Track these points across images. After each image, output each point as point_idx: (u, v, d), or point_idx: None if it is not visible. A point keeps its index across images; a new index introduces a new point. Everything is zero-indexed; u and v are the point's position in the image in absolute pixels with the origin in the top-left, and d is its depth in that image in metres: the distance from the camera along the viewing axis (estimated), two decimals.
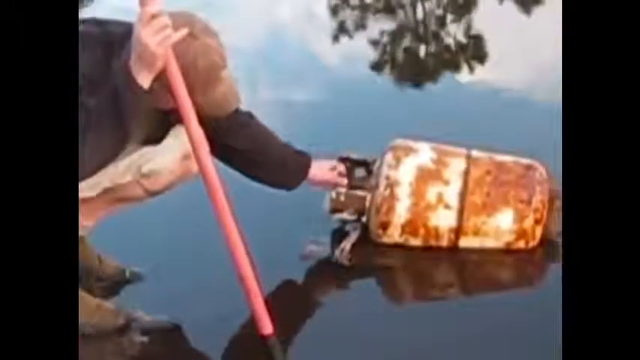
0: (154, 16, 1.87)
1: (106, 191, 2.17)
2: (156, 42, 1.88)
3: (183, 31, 1.96)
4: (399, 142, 2.69)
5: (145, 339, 2.26)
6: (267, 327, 2.07)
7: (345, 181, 2.67)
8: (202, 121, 2.03)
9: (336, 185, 2.65)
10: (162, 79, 1.96)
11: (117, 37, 2.03)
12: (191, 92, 1.98)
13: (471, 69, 4.76)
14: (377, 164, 2.67)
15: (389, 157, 2.63)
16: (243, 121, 2.42)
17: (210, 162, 2.03)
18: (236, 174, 2.45)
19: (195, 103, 1.99)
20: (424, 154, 2.64)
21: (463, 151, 2.68)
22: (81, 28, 2.02)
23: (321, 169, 2.63)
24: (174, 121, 2.12)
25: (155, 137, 2.21)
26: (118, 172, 2.16)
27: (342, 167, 2.69)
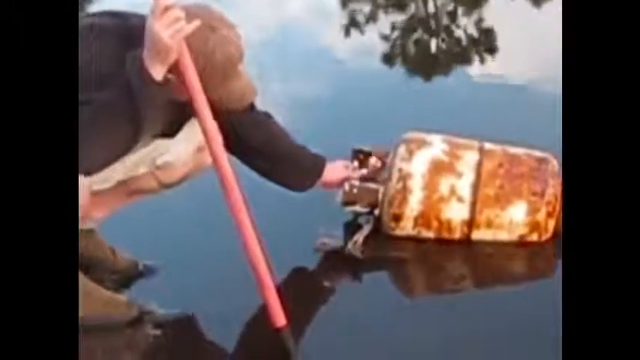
0: (167, 9, 1.87)
1: (120, 184, 2.17)
2: (169, 34, 1.88)
3: (196, 22, 1.94)
4: (412, 134, 2.69)
5: (157, 332, 2.26)
6: (280, 319, 2.07)
7: (357, 174, 2.67)
8: (217, 115, 2.02)
9: (349, 179, 2.65)
10: (177, 70, 1.95)
11: (134, 29, 2.02)
12: (208, 84, 1.98)
13: (482, 62, 4.74)
14: (389, 157, 2.67)
15: (402, 150, 2.63)
16: (259, 119, 2.42)
17: (224, 155, 2.03)
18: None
19: (212, 96, 1.99)
20: (437, 146, 2.64)
21: (476, 143, 2.67)
22: (97, 20, 2.02)
23: (335, 171, 2.62)
24: (190, 113, 2.10)
25: (170, 130, 2.20)
26: (132, 165, 2.16)
27: (355, 164, 2.69)
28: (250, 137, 2.37)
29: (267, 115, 2.45)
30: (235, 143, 2.24)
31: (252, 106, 2.34)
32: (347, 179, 2.63)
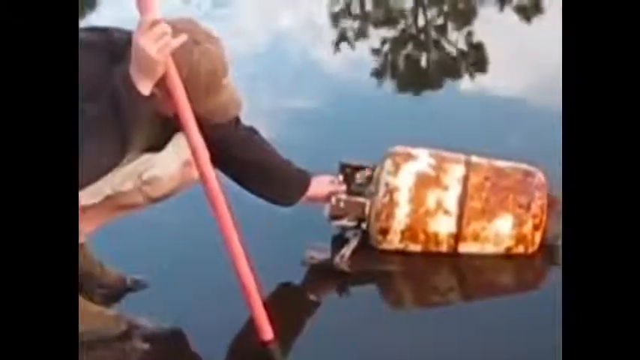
0: (153, 24, 1.88)
1: (108, 198, 2.18)
2: (156, 49, 1.89)
3: (183, 37, 1.96)
4: (399, 148, 2.70)
5: (146, 346, 2.26)
6: (267, 333, 2.08)
7: (344, 188, 2.68)
8: (204, 130, 2.04)
9: (335, 194, 2.66)
10: (163, 85, 1.97)
11: (120, 45, 2.04)
12: (192, 98, 1.99)
13: (472, 76, 4.76)
14: (376, 171, 2.68)
15: (388, 164, 2.64)
16: (245, 135, 2.42)
17: (210, 169, 2.04)
18: None
19: (196, 109, 2.00)
20: (423, 160, 2.65)
21: (462, 157, 2.69)
22: (84, 35, 2.03)
23: (320, 186, 2.63)
24: (176, 128, 2.12)
25: (157, 144, 2.21)
26: (119, 180, 2.16)
27: (340, 178, 2.70)
28: (236, 152, 2.37)
29: (253, 130, 2.46)
30: (221, 158, 2.24)
31: (237, 121, 2.35)
32: (333, 194, 2.64)
